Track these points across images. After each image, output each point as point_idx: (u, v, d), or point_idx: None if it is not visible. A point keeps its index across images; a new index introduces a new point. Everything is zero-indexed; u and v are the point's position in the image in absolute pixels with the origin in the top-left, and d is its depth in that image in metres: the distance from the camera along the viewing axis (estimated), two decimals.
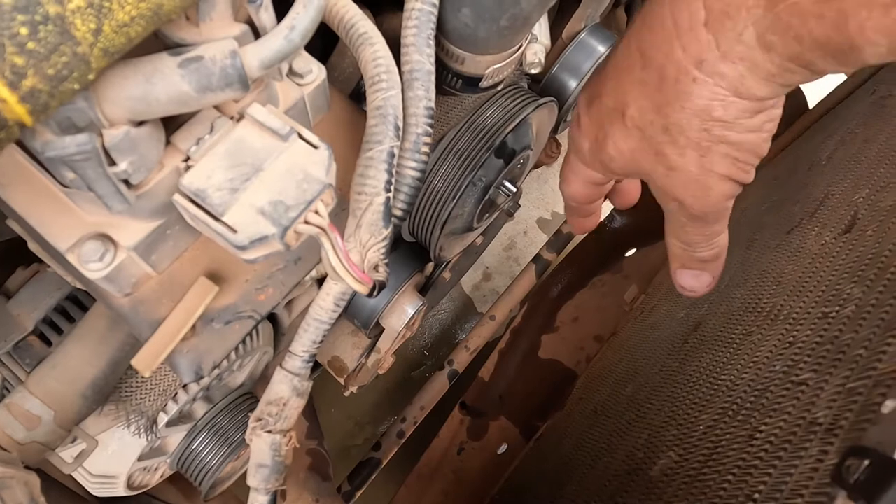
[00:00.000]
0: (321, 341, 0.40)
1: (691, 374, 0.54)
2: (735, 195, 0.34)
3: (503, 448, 1.02)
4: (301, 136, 0.34)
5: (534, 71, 0.48)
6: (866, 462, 0.28)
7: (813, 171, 0.66)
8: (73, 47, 0.21)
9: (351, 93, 0.53)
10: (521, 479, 0.85)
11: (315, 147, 0.34)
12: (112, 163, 0.29)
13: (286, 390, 0.39)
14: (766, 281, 0.55)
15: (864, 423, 0.30)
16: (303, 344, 0.39)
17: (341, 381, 0.80)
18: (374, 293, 0.36)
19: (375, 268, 0.37)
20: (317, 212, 0.33)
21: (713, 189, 0.33)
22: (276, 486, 0.40)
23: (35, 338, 0.48)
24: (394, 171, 0.39)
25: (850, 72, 0.31)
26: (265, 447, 0.39)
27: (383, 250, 0.38)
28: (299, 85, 0.39)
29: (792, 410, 0.37)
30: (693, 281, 0.38)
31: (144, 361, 0.36)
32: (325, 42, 0.53)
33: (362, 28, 0.40)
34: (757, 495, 0.34)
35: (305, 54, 0.39)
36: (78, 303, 0.52)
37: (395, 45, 0.43)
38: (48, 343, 0.49)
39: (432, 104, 0.41)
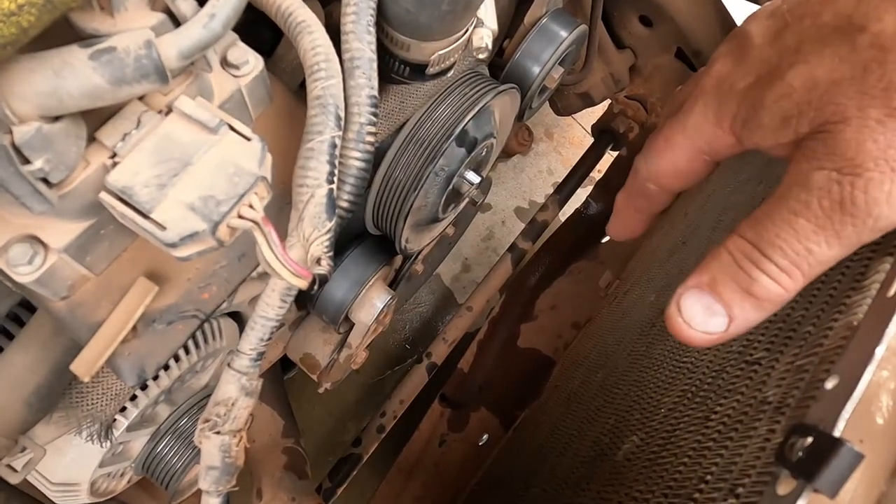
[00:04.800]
0: (269, 339, 0.39)
1: (656, 358, 0.54)
2: None
3: (484, 439, 1.02)
4: (232, 128, 0.33)
5: (481, 56, 0.47)
6: (809, 440, 0.27)
7: None
8: None
9: (300, 85, 0.52)
10: (499, 469, 0.85)
11: (248, 139, 0.33)
12: (25, 161, 0.28)
13: (234, 390, 0.38)
14: None
15: (809, 400, 0.30)
16: (250, 342, 0.38)
17: (314, 377, 0.79)
18: (316, 287, 0.35)
19: (318, 261, 0.36)
20: (250, 205, 0.32)
21: None
22: (228, 488, 0.39)
23: None
24: (336, 163, 0.38)
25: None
26: (214, 449, 0.38)
27: (327, 243, 0.37)
28: (235, 76, 0.38)
29: (745, 390, 0.37)
30: (699, 314, 0.27)
31: (83, 366, 0.35)
32: (274, 34, 0.52)
33: (300, 16, 0.39)
34: (709, 477, 0.34)
35: (241, 44, 0.38)
36: (31, 308, 0.50)
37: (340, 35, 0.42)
38: (1, 351, 0.48)
39: (375, 93, 0.41)
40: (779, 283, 0.26)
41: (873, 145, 0.23)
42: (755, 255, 0.26)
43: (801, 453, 0.27)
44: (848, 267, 0.36)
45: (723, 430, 0.36)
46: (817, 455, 0.26)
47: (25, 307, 0.49)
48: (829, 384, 0.28)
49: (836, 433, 0.26)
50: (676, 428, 0.42)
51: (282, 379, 0.92)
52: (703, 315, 0.28)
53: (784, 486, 0.27)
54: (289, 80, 0.49)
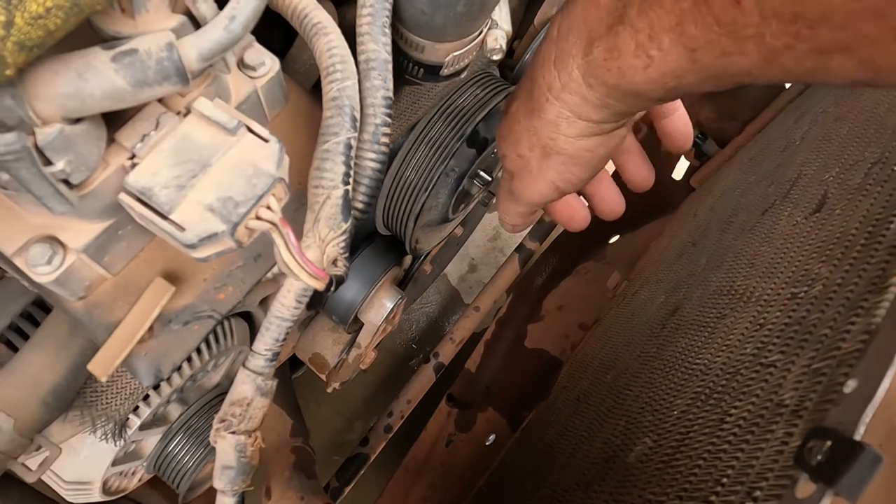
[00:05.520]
0: (284, 339, 0.39)
1: (668, 360, 0.54)
2: (550, 200, 0.44)
3: (491, 439, 1.02)
4: (250, 130, 0.33)
5: (496, 57, 0.47)
6: (828, 443, 0.27)
7: (787, 151, 0.66)
8: None
9: (314, 85, 0.52)
10: (506, 470, 0.85)
11: (265, 140, 0.33)
12: (48, 162, 0.28)
13: (249, 390, 0.38)
14: (740, 263, 0.54)
15: (827, 403, 0.30)
16: (265, 342, 0.39)
17: (323, 377, 0.79)
18: (332, 288, 0.35)
19: (334, 262, 0.36)
20: (268, 207, 0.32)
21: (537, 186, 0.42)
22: (243, 488, 0.39)
23: (2, 345, 0.47)
24: (352, 164, 0.39)
25: (654, 106, 0.40)
26: (230, 449, 0.38)
27: (343, 244, 0.37)
28: (252, 78, 0.38)
29: (760, 393, 0.36)
30: (513, 223, 0.50)
31: (100, 366, 0.36)
32: (286, 34, 0.52)
33: (316, 18, 0.39)
34: (725, 480, 0.34)
35: (258, 46, 0.39)
36: (45, 307, 0.50)
37: (355, 36, 0.42)
38: (16, 350, 0.48)
39: (391, 94, 0.41)
40: (523, 224, 0.50)
41: (520, 166, 0.43)
42: (503, 218, 0.50)
43: (820, 457, 0.27)
44: (864, 269, 0.36)
45: (738, 433, 0.36)
46: (838, 459, 0.26)
47: (40, 306, 0.49)
48: (849, 387, 0.28)
49: (857, 437, 0.26)
50: (690, 430, 0.42)
51: (290, 378, 0.93)
52: (517, 223, 0.49)
53: (803, 490, 0.27)
54: (303, 81, 0.50)
